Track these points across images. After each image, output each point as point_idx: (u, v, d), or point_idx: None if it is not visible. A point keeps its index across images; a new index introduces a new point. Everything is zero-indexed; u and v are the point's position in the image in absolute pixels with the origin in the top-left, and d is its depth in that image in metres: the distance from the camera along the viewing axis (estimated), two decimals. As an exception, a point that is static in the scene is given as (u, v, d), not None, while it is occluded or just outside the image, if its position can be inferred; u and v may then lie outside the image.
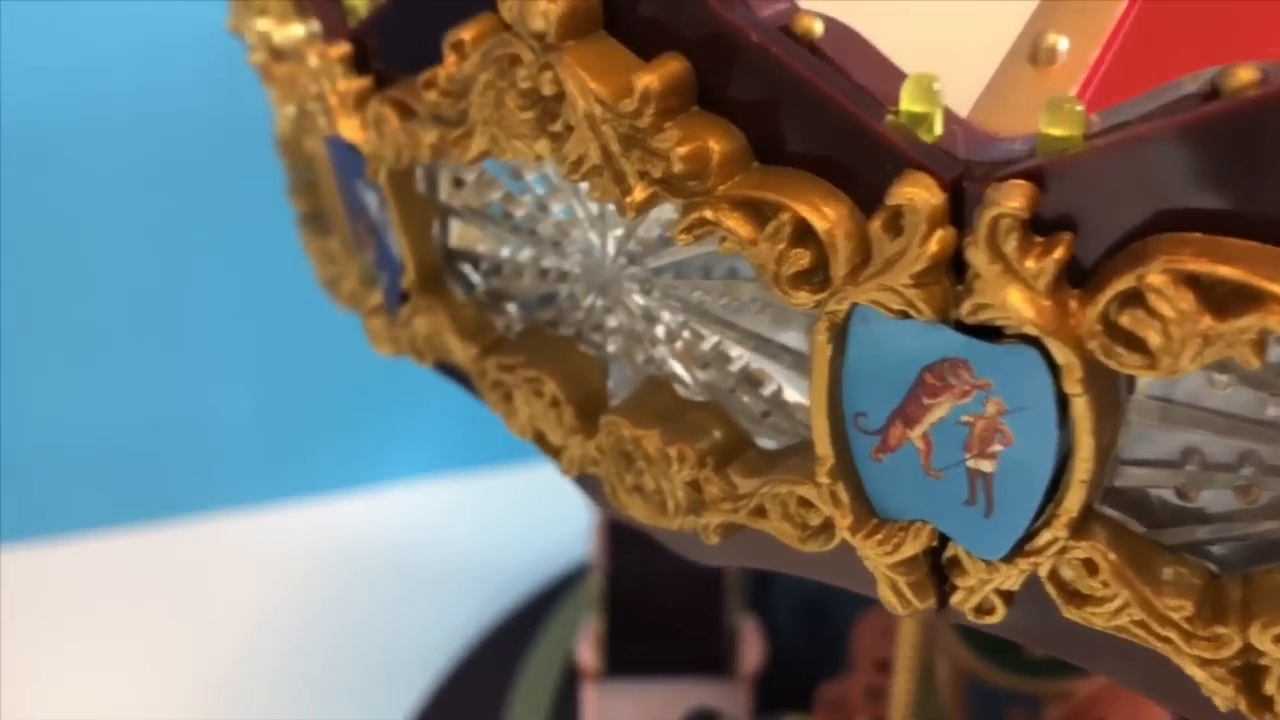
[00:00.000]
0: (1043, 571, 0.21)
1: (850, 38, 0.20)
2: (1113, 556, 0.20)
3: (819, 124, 0.20)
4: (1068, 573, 0.20)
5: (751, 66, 0.20)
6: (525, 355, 0.27)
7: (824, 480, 0.21)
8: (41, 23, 0.74)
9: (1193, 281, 0.17)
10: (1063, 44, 0.21)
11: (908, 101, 0.19)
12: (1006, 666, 0.46)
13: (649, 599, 0.61)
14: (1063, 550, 0.20)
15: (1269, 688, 0.19)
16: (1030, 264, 0.18)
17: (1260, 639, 0.19)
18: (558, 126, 0.22)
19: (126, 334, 0.83)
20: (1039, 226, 0.18)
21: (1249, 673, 0.19)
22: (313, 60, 0.28)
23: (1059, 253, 0.18)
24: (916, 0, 0.24)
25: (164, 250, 0.83)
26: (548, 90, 0.22)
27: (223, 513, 0.83)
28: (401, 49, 0.27)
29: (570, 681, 0.64)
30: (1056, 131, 0.18)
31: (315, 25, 0.31)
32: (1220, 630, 0.19)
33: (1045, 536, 0.20)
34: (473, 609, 0.76)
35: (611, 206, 0.24)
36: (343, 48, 0.28)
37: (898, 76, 0.20)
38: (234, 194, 0.83)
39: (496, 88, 0.23)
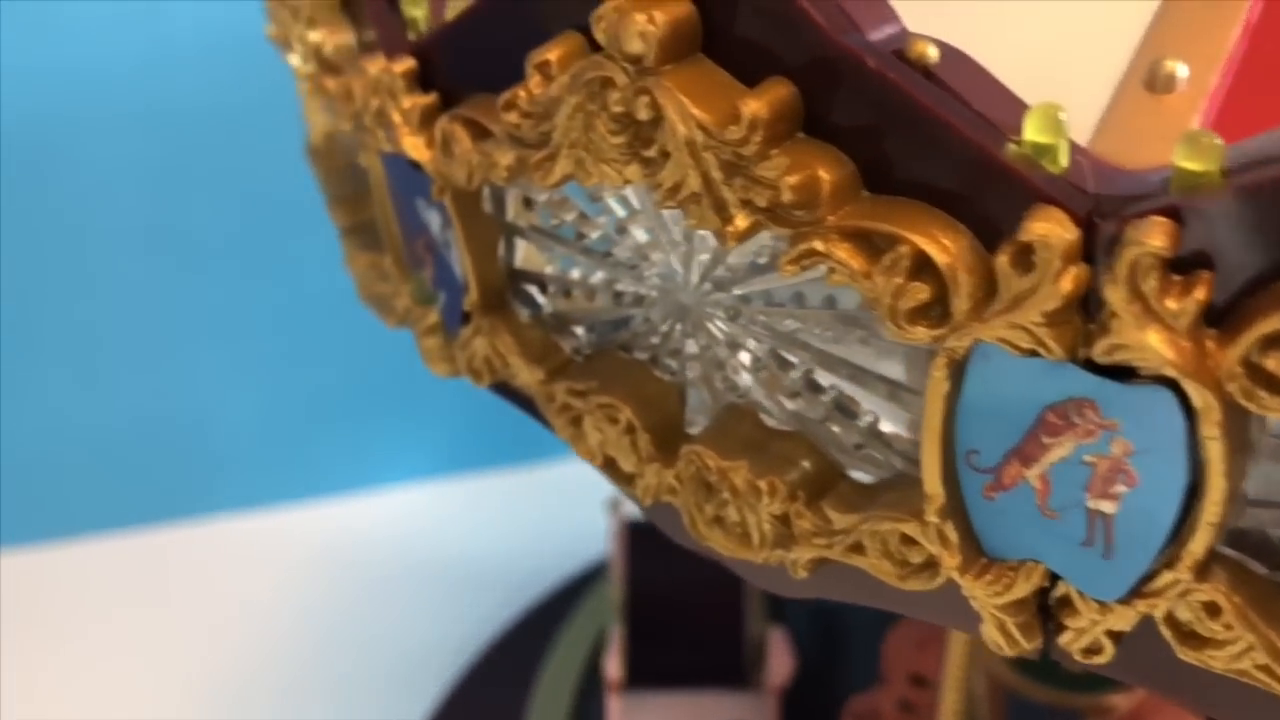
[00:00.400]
0: (1158, 613, 0.20)
1: (965, 63, 0.20)
2: (1236, 599, 0.19)
3: (936, 153, 0.19)
4: (1185, 614, 0.20)
5: (865, 93, 0.19)
6: (598, 380, 0.26)
7: (932, 519, 0.21)
8: (39, 22, 0.73)
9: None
10: (1181, 71, 0.20)
11: (1032, 131, 0.18)
12: (1046, 681, 0.46)
13: (670, 609, 0.61)
14: (1184, 592, 0.19)
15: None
16: (1170, 304, 0.17)
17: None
18: (652, 152, 0.21)
19: (126, 336, 0.82)
20: (1174, 264, 0.18)
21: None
22: (372, 74, 0.28)
23: (1200, 293, 0.17)
24: (1015, 21, 0.23)
25: (164, 252, 0.82)
26: (643, 115, 0.21)
27: (227, 515, 0.82)
28: (470, 66, 0.26)
29: (589, 688, 0.64)
30: (1193, 166, 0.17)
31: (368, 36, 0.31)
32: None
33: (1166, 578, 0.19)
34: (484, 611, 0.76)
35: (700, 232, 0.24)
36: (407, 63, 0.27)
37: (1017, 104, 0.19)
38: (236, 196, 0.83)
39: (586, 111, 0.22)
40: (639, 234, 0.25)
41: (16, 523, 0.79)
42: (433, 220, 0.29)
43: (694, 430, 0.26)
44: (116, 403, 0.83)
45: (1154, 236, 0.17)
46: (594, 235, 0.26)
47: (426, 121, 0.27)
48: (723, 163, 0.20)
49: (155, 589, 0.75)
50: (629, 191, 0.25)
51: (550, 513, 0.83)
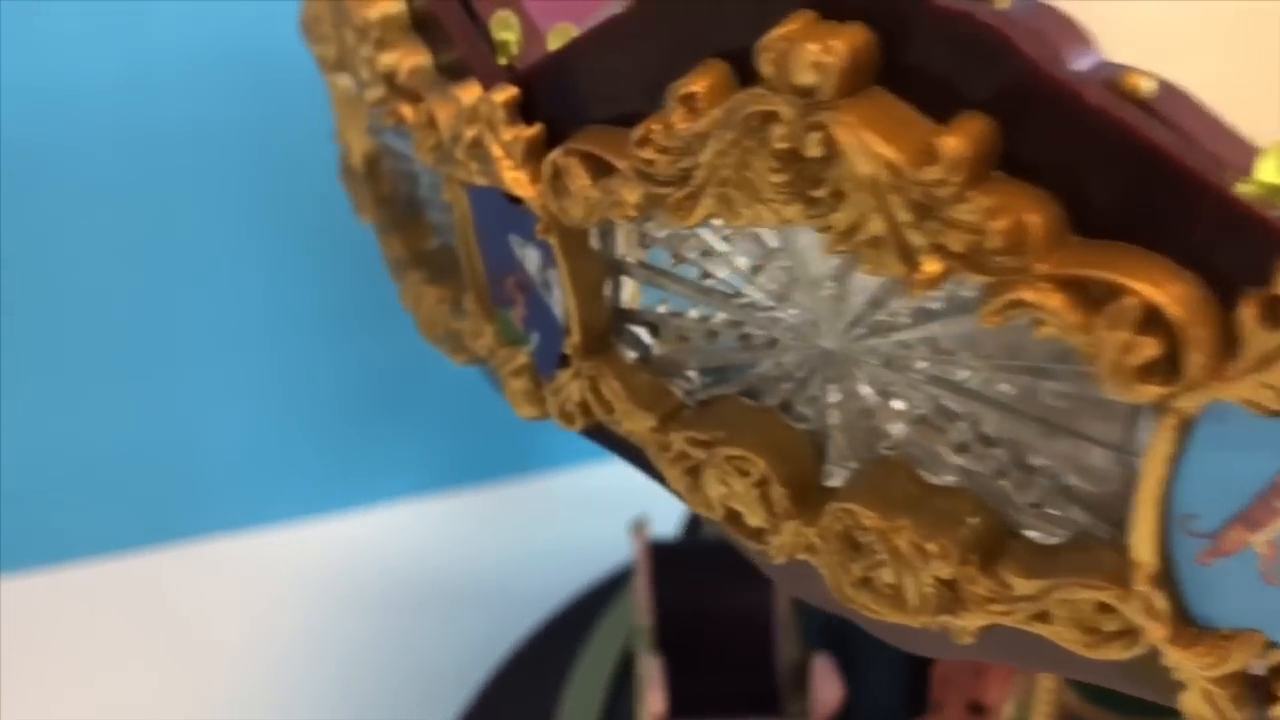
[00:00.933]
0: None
1: (1182, 98, 0.18)
2: None
3: (1158, 194, 0.17)
4: None
5: (1076, 129, 0.18)
6: (724, 430, 0.24)
7: (1142, 587, 0.19)
8: (19, 36, 0.71)
9: None
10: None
11: (1270, 173, 0.17)
12: (1109, 705, 0.45)
13: (700, 635, 0.59)
14: None
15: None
16: None
17: None
18: (821, 192, 0.19)
19: (114, 358, 0.81)
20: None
21: None
22: (466, 102, 0.26)
23: None
24: (1184, 49, 0.21)
25: (152, 271, 0.80)
26: (813, 152, 0.19)
27: (222, 536, 0.82)
28: (582, 97, 0.24)
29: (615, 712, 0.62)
30: None
31: (444, 58, 0.29)
32: None
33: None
34: (490, 629, 0.75)
35: (856, 275, 0.22)
36: (508, 92, 0.25)
37: (1242, 143, 0.18)
38: (223, 215, 0.81)
39: (741, 147, 0.20)
40: (776, 274, 0.23)
41: (8, 549, 0.76)
42: (529, 258, 0.27)
43: (832, 483, 0.24)
44: (104, 426, 0.81)
45: None
46: (722, 275, 0.24)
47: (531, 155, 0.25)
48: (911, 204, 0.19)
49: (151, 612, 0.74)
50: (763, 230, 0.23)
51: (547, 525, 0.83)
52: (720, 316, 0.25)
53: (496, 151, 0.25)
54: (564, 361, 0.27)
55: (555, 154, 0.24)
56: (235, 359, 0.85)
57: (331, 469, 0.89)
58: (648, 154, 0.22)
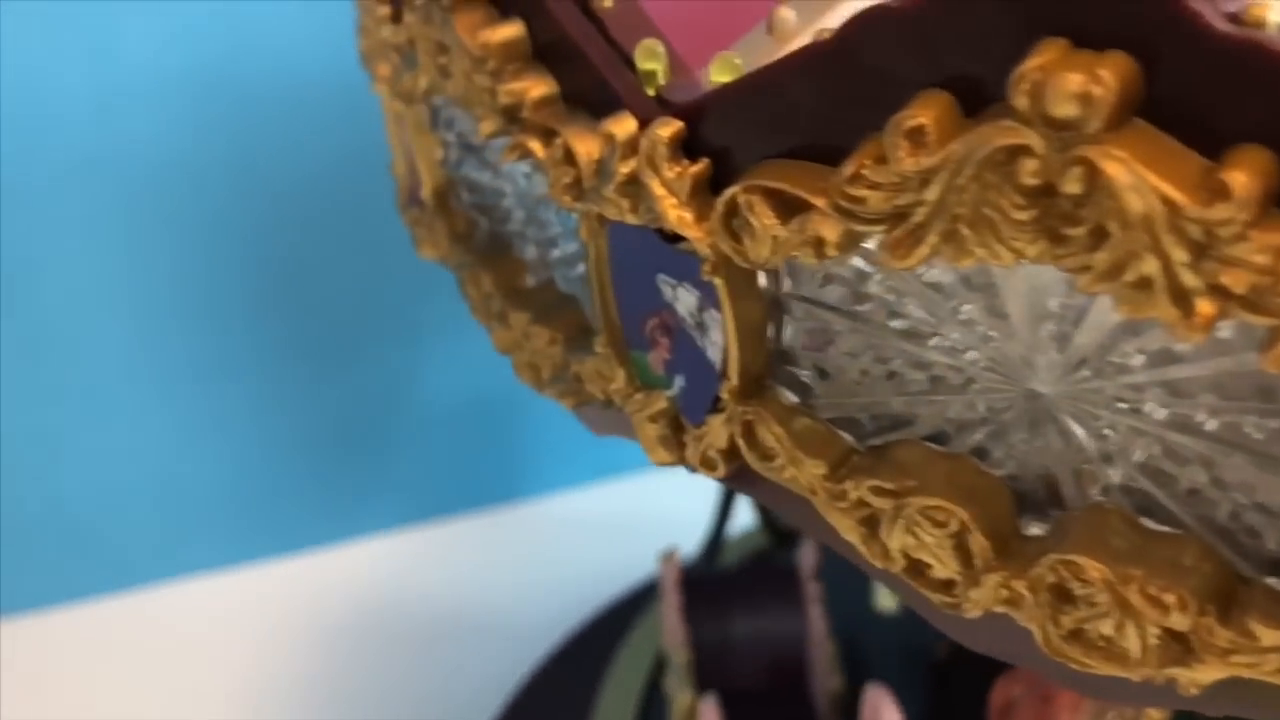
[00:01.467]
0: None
1: None
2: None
3: None
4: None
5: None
6: (914, 478, 0.23)
7: None
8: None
9: None
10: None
11: None
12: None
13: (736, 668, 0.58)
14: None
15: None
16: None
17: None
18: (1078, 230, 0.18)
19: (87, 399, 0.79)
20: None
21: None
22: (621, 136, 0.24)
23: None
24: None
25: (121, 308, 0.78)
26: (1071, 188, 0.18)
27: (206, 574, 0.82)
28: (761, 130, 0.23)
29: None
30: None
31: (570, 88, 0.27)
32: None
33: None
34: (483, 664, 0.74)
35: (1091, 315, 0.21)
36: (672, 125, 0.23)
37: None
38: (197, 248, 0.79)
39: (981, 182, 0.19)
40: (981, 313, 0.22)
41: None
42: (683, 299, 0.25)
43: (1032, 531, 0.23)
44: (79, 468, 0.79)
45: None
46: (916, 315, 0.23)
47: (698, 192, 0.24)
48: (1189, 243, 0.18)
49: (133, 655, 0.73)
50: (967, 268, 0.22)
51: (536, 552, 0.83)
52: (904, 357, 0.24)
53: (658, 189, 0.24)
54: (715, 406, 0.26)
55: (733, 190, 0.23)
56: (213, 394, 0.82)
57: (314, 503, 0.87)
58: (858, 190, 0.20)
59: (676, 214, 0.24)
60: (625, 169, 0.24)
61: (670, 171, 0.24)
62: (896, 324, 0.23)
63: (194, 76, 0.74)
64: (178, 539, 0.82)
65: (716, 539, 0.66)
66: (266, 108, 0.76)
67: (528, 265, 0.33)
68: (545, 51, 0.27)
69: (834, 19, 0.26)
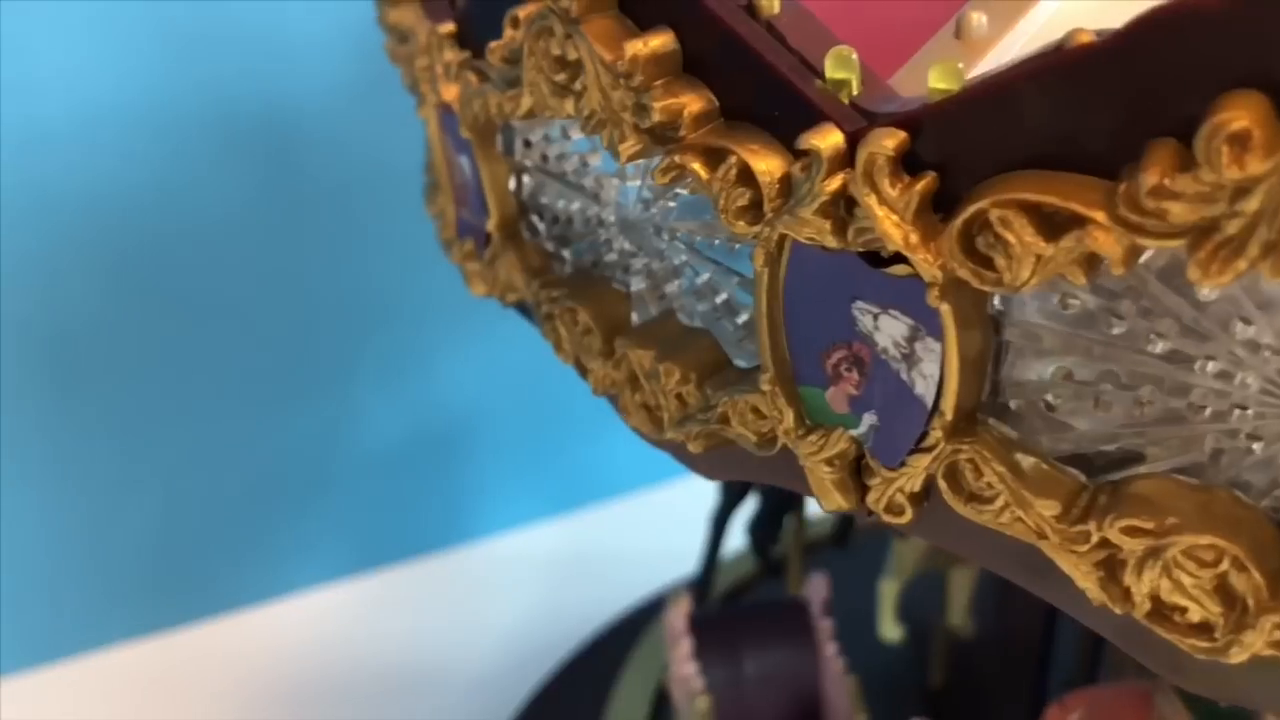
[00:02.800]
0: None
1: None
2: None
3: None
4: None
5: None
6: (1175, 515, 0.21)
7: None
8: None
9: None
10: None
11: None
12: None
13: (749, 707, 0.56)
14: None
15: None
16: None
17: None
18: None
19: (15, 457, 0.73)
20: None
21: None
22: (826, 152, 0.22)
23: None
24: None
25: (47, 358, 0.73)
26: None
27: (130, 642, 0.79)
28: (1000, 140, 0.21)
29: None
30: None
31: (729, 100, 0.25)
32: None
33: None
34: (444, 715, 0.72)
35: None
36: (898, 137, 0.21)
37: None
38: (111, 298, 0.75)
39: None
40: (1256, 331, 0.21)
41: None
42: (886, 328, 0.23)
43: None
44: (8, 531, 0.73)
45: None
46: (1176, 336, 0.21)
47: (924, 210, 0.21)
48: None
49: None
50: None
51: (480, 597, 0.81)
52: (1156, 384, 0.22)
53: (877, 207, 0.22)
54: (920, 444, 0.24)
55: (980, 205, 0.20)
56: (135, 452, 0.77)
57: (250, 558, 0.83)
58: (1158, 203, 0.19)
59: (902, 234, 0.21)
60: (831, 186, 0.22)
61: (893, 188, 0.21)
62: (1157, 347, 0.21)
63: (122, 108, 0.69)
64: (104, 606, 0.77)
65: (709, 571, 0.64)
66: (191, 144, 0.72)
67: (630, 298, 0.30)
68: (699, 63, 0.25)
69: (1029, 23, 0.24)
